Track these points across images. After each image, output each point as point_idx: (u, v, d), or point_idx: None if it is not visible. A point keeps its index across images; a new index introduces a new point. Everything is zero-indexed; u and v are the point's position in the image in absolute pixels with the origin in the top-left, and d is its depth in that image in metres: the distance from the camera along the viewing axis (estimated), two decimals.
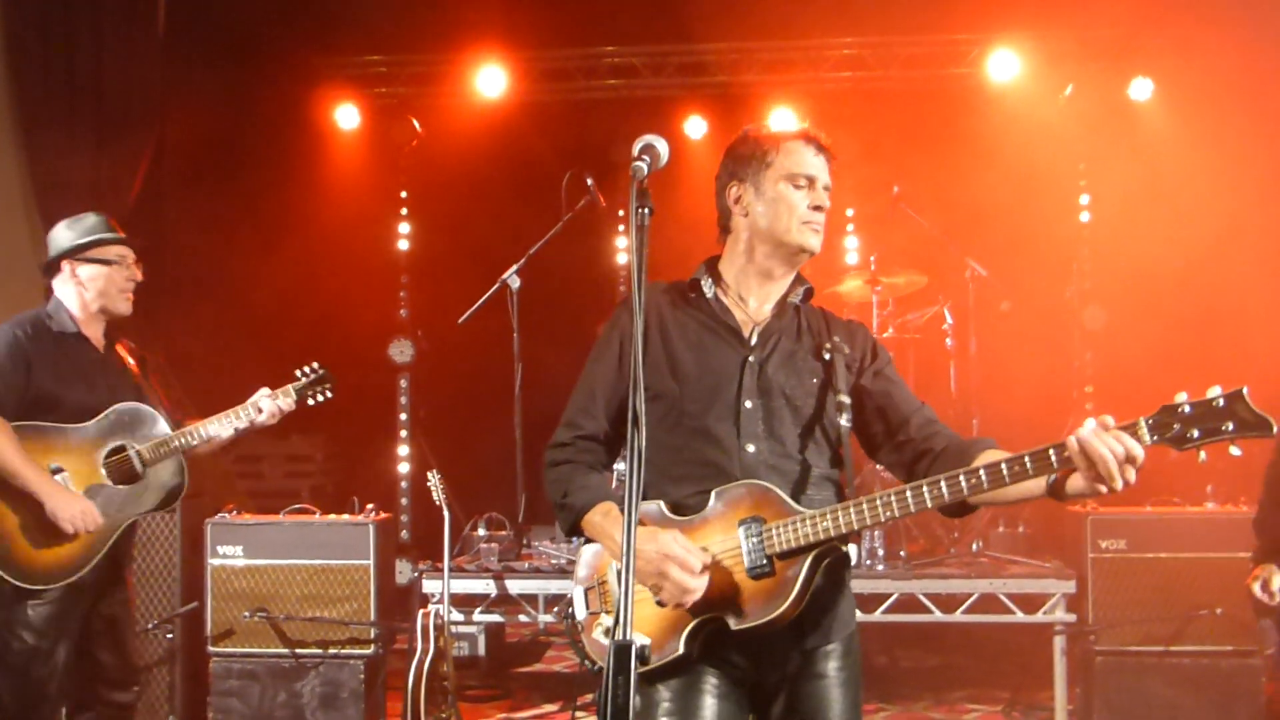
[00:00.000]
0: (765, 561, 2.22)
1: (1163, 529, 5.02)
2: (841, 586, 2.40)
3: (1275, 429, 1.96)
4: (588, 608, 2.41)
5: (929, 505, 2.15)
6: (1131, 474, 2.00)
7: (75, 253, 3.74)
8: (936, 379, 6.18)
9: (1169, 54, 6.40)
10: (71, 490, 3.61)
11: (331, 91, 7.10)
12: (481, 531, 5.85)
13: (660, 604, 2.22)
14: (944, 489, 2.13)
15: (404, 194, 7.33)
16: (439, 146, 7.17)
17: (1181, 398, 2.02)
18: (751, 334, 2.49)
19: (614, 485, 2.58)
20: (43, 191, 6.08)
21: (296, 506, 5.44)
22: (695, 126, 7.48)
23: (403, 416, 7.11)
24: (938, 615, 5.25)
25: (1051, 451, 2.05)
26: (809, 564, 2.21)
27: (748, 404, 2.40)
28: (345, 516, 5.36)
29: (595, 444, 2.50)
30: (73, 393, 3.69)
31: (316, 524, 5.29)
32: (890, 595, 5.23)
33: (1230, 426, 1.97)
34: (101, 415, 3.70)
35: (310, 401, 3.88)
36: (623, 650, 1.66)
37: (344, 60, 7.08)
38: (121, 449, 3.69)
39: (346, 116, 7.13)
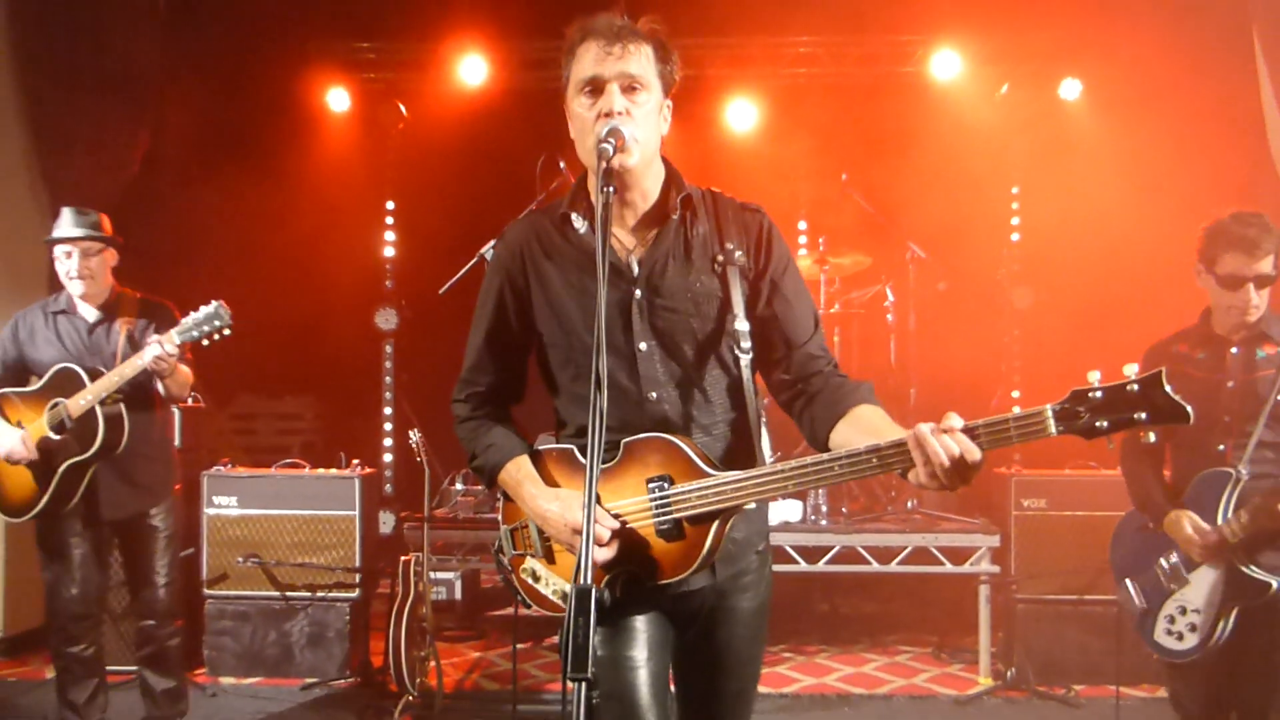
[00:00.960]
0: (673, 525, 2.08)
1: (1080, 490, 5.22)
2: (746, 519, 2.22)
3: (1191, 417, 1.77)
4: (514, 548, 2.31)
5: (833, 481, 1.99)
6: (969, 475, 1.82)
7: (50, 247, 4.21)
8: (878, 352, 6.26)
9: (1096, 57, 6.44)
10: (12, 429, 4.02)
11: (323, 75, 7.07)
12: (459, 486, 5.98)
13: None
14: (847, 465, 1.95)
15: (390, 174, 7.30)
16: (424, 129, 7.15)
17: (1094, 378, 1.82)
18: (631, 262, 2.17)
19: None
20: (48, 161, 6.09)
21: (288, 461, 5.53)
22: None
23: (387, 379, 7.10)
24: (875, 566, 5.38)
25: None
26: (716, 528, 2.07)
27: (642, 346, 2.15)
28: (333, 470, 5.49)
29: (491, 395, 2.35)
30: (44, 359, 4.12)
31: (306, 477, 5.43)
32: (832, 548, 5.37)
33: (1144, 415, 1.79)
34: (44, 378, 4.07)
35: (205, 342, 3.87)
36: (584, 594, 1.66)
37: (335, 46, 7.05)
38: (57, 404, 4.02)
39: (337, 99, 7.12)
